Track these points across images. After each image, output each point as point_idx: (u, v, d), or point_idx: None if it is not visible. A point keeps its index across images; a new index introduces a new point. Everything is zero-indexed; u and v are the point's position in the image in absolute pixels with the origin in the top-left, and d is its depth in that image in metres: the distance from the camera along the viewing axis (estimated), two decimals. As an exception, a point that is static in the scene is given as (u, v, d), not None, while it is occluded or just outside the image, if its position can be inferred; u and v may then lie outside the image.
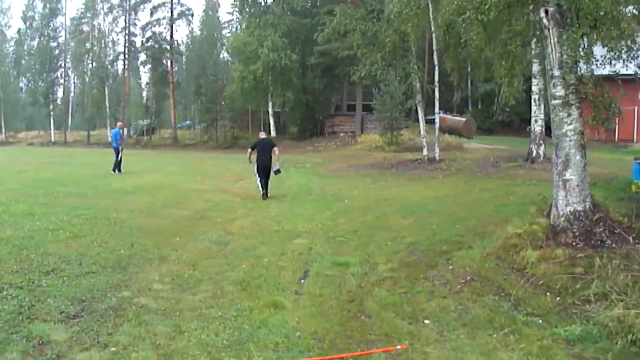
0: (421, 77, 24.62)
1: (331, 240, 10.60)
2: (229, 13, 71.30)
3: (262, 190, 16.23)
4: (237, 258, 9.01)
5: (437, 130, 24.97)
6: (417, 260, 8.93)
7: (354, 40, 23.84)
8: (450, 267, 8.50)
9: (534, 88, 22.45)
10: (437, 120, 25.16)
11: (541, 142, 22.49)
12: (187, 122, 64.83)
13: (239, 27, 75.77)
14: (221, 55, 59.04)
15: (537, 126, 22.84)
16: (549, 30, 9.02)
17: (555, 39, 8.98)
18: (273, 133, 48.04)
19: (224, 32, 67.38)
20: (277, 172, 16.80)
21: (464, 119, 40.70)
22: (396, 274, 8.25)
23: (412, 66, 24.53)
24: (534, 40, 21.93)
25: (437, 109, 25.02)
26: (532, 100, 22.61)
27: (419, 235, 10.60)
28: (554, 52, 9.06)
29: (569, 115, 9.10)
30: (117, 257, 8.40)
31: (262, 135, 18.73)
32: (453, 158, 24.79)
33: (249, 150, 17.10)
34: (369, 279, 8.07)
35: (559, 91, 9.11)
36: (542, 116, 22.64)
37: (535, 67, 22.21)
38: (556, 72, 9.08)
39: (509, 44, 10.14)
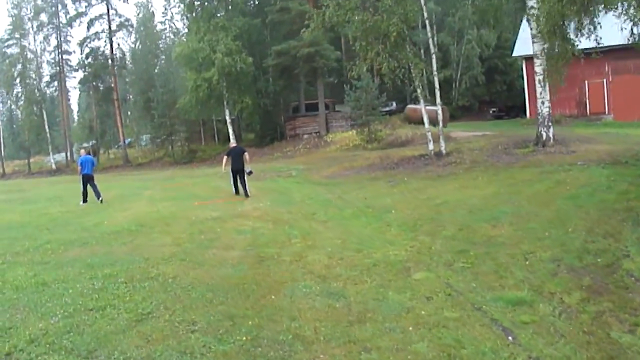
0: (423, 67, 22.47)
1: (454, 269, 8.51)
2: (162, 22, 67.54)
3: (235, 190, 18.92)
4: (385, 317, 6.55)
5: (440, 123, 22.95)
6: (599, 284, 7.31)
7: (352, 32, 21.44)
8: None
9: (537, 69, 21.04)
10: (439, 112, 23.12)
11: (549, 124, 21.08)
12: (128, 140, 60.08)
13: (175, 35, 72.95)
14: (165, 66, 55.68)
15: (544, 108, 21.30)
16: None
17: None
18: (233, 142, 45.28)
19: (160, 42, 64.04)
20: (250, 173, 19.23)
21: (436, 108, 38.80)
22: (599, 306, 6.67)
23: (413, 55, 22.39)
24: (532, 19, 20.82)
25: (438, 100, 23.02)
26: (537, 81, 21.02)
27: (550, 249, 9.05)
28: None
29: None
30: (236, 348, 5.77)
31: (233, 144, 21.62)
32: (457, 150, 22.82)
33: (225, 157, 19.36)
34: (580, 320, 6.29)
35: None
36: (548, 97, 21.06)
37: (537, 47, 20.99)
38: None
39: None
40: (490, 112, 49.33)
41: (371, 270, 8.61)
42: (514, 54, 39.00)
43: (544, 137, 21.09)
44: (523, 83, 46.88)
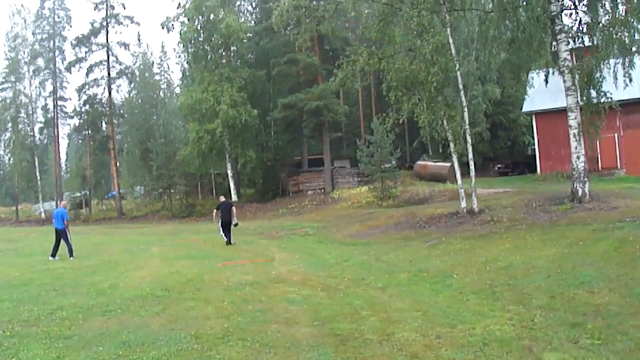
0: (460, 120, 21.15)
1: (584, 346, 7.25)
2: (158, 74, 66.61)
3: (226, 239, 21.14)
4: None
5: (473, 179, 21.56)
6: None
7: (388, 81, 20.16)
8: None
9: (572, 122, 19.98)
10: (471, 167, 21.76)
11: (585, 179, 19.92)
12: (114, 192, 57.95)
13: (169, 86, 72.10)
14: (164, 117, 54.43)
15: (579, 163, 20.15)
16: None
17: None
18: (234, 197, 43.78)
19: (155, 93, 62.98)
20: (236, 225, 21.94)
21: (448, 164, 37.65)
22: None
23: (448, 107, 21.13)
24: (566, 72, 19.90)
25: (470, 155, 21.66)
26: (572, 135, 19.90)
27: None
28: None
29: None
30: None
31: (222, 198, 22.73)
32: (488, 207, 21.41)
33: (215, 210, 22.20)
34: None
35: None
36: (583, 151, 20.00)
37: (571, 100, 20.04)
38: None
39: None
40: (495, 168, 48.31)
41: (486, 351, 7.12)
42: (524, 109, 38.11)
43: (580, 193, 19.88)
44: (527, 139, 46.19)
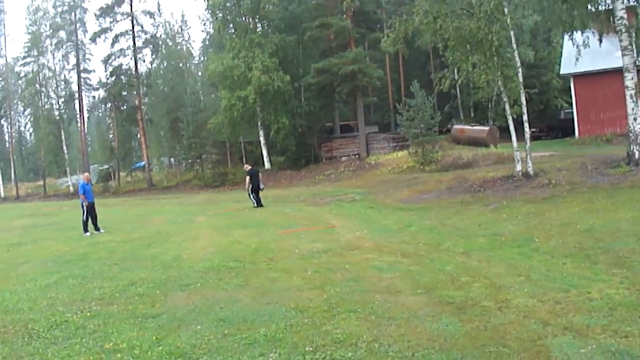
0: (517, 81, 20.34)
1: None
2: (179, 43, 65.81)
3: (256, 203, 23.15)
4: None
5: (528, 142, 20.90)
6: None
7: (449, 41, 19.31)
8: None
9: (628, 83, 19.16)
10: (526, 129, 21.06)
11: None
12: (142, 163, 57.70)
13: (198, 53, 71.34)
14: (193, 85, 53.76)
15: (636, 125, 19.27)
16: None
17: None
18: (267, 164, 43.32)
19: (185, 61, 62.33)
20: (262, 189, 24.00)
21: (486, 128, 36.82)
22: None
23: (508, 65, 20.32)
24: (623, 30, 19.05)
25: (525, 116, 20.93)
26: (628, 97, 19.15)
27: None
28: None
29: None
30: None
31: (248, 166, 24.97)
32: (542, 170, 20.76)
33: (248, 178, 23.63)
34: None
35: None
36: (640, 113, 19.20)
37: (628, 60, 19.19)
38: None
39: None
40: (530, 131, 47.28)
41: (616, 315, 6.61)
42: (561, 72, 36.93)
43: (637, 155, 19.11)
44: (560, 103, 44.94)
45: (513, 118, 21.05)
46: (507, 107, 20.45)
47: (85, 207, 18.21)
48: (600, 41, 22.34)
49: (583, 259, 9.98)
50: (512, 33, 20.48)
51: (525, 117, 20.93)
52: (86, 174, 22.59)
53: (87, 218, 18.19)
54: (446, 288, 8.22)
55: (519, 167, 20.66)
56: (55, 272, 11.13)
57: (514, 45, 20.68)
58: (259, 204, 23.11)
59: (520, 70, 20.76)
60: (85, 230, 18.01)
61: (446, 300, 7.52)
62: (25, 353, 6.35)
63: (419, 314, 6.96)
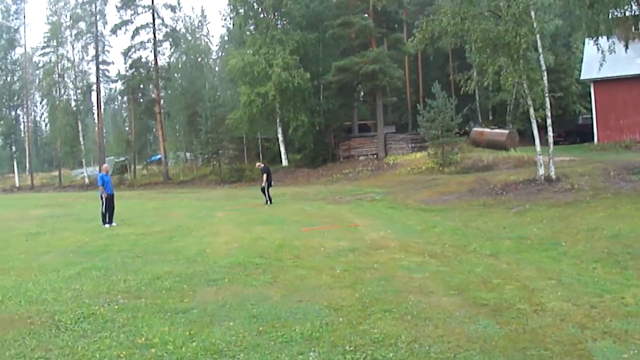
0: (542, 84, 20.19)
1: None
2: (205, 35, 66.02)
3: (268, 199, 23.68)
4: None
5: (551, 146, 20.76)
6: None
7: (476, 43, 19.22)
8: None
9: None
10: (550, 133, 20.95)
11: None
12: (158, 156, 57.44)
13: (217, 48, 71.34)
14: (212, 80, 53.87)
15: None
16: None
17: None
18: (285, 162, 43.31)
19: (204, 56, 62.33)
20: (272, 185, 24.73)
21: (506, 131, 36.63)
22: None
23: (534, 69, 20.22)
24: None
25: (549, 120, 20.82)
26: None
27: None
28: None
29: None
30: None
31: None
32: (564, 175, 20.64)
33: (265, 175, 23.92)
34: None
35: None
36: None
37: None
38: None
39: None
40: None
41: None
42: (582, 77, 36.55)
43: (658, 162, 18.99)
44: (578, 108, 44.52)
45: (537, 122, 20.83)
46: (531, 110, 20.24)
47: (104, 199, 18.20)
48: (627, 47, 22.14)
49: (613, 264, 10.05)
50: (537, 37, 20.38)
51: (549, 122, 20.76)
52: (105, 165, 22.38)
53: (105, 210, 18.17)
54: (478, 290, 8.17)
55: (541, 171, 20.54)
56: (78, 263, 11.01)
57: (540, 49, 20.56)
58: (270, 200, 23.61)
59: (545, 74, 20.63)
60: (104, 221, 18.03)
61: (480, 302, 7.46)
62: (54, 346, 6.17)
63: (455, 315, 6.91)
